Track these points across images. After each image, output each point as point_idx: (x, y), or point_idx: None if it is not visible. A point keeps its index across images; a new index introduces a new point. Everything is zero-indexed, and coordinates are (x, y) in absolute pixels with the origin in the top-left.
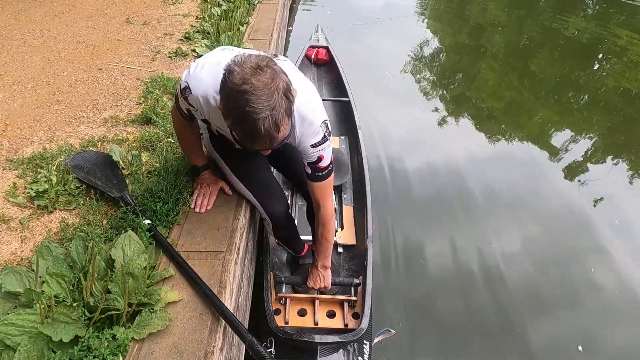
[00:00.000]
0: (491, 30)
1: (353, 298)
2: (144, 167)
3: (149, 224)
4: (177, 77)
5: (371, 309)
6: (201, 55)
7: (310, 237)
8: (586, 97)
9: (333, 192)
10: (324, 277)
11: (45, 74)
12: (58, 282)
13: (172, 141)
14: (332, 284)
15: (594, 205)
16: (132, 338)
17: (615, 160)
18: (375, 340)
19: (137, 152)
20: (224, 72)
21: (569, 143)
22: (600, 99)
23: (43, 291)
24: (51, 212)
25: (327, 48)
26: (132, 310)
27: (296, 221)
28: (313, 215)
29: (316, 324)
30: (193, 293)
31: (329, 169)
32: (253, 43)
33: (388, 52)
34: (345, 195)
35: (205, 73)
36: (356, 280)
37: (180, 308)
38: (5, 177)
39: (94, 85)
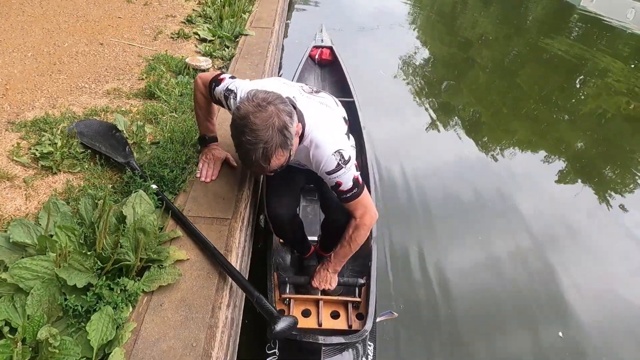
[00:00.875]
0: (479, 46)
1: (357, 299)
2: (147, 138)
3: (156, 188)
4: (180, 57)
5: (375, 309)
6: (204, 39)
7: (315, 238)
8: (565, 116)
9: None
10: (331, 279)
11: (45, 44)
12: (67, 236)
13: (176, 116)
14: (336, 284)
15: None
16: (143, 290)
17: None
18: (378, 320)
19: (142, 123)
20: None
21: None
22: (578, 118)
23: (56, 240)
24: (55, 173)
25: (330, 48)
26: (140, 265)
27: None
28: (328, 224)
29: (320, 324)
30: (200, 254)
31: (354, 191)
32: (256, 31)
33: (381, 56)
34: None
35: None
36: (361, 281)
37: (188, 267)
38: (8, 137)
39: (96, 59)
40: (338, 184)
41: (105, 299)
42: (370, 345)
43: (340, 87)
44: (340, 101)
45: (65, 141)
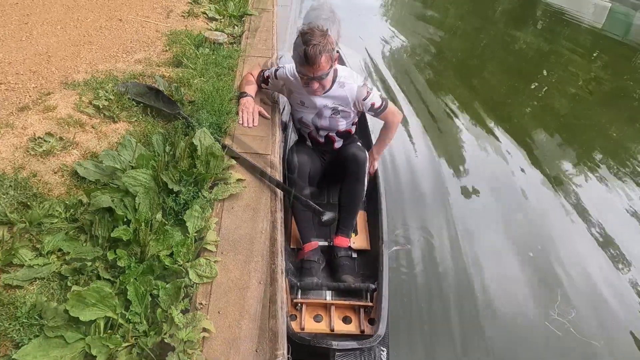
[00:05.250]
0: (449, 38)
1: (369, 303)
2: (184, 98)
3: (208, 130)
4: (196, 33)
5: (388, 314)
6: (212, 18)
7: (325, 243)
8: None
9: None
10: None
11: (69, 19)
12: (149, 162)
13: (205, 80)
14: (347, 289)
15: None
16: (217, 198)
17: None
18: (393, 249)
19: (178, 85)
20: None
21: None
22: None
23: (150, 159)
24: (116, 122)
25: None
26: (210, 182)
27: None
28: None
29: (332, 329)
30: (251, 176)
31: (382, 106)
32: (257, 11)
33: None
34: None
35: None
36: (372, 286)
37: (246, 184)
38: (67, 94)
39: (119, 33)
40: (373, 105)
41: (192, 202)
42: (383, 351)
43: None
44: None
45: (118, 97)
